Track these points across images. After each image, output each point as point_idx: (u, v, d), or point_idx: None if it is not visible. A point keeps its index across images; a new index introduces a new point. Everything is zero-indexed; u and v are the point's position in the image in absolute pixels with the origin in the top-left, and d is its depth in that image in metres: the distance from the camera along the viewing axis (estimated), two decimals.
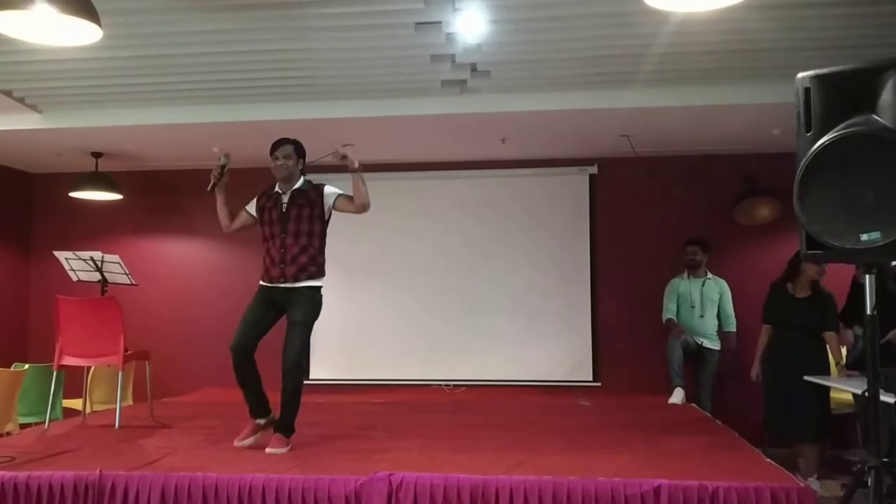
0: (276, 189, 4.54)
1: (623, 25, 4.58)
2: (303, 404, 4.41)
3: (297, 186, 4.49)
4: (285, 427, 4.33)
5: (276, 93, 5.75)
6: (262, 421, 4.44)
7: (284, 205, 4.46)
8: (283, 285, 4.41)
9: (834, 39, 4.71)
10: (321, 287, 4.52)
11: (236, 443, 4.35)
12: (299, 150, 4.53)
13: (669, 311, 6.69)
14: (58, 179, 7.79)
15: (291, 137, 4.56)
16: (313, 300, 4.47)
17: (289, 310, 4.42)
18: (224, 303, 7.80)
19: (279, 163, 4.45)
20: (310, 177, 4.57)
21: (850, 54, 4.37)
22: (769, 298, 5.86)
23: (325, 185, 4.56)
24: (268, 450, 4.16)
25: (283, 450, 4.18)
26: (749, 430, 5.18)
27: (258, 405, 4.45)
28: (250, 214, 4.65)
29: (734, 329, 6.65)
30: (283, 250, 4.41)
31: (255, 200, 4.64)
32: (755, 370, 5.90)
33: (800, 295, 5.71)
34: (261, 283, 4.54)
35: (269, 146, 4.50)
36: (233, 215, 4.68)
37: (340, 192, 4.53)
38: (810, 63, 3.26)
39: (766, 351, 5.86)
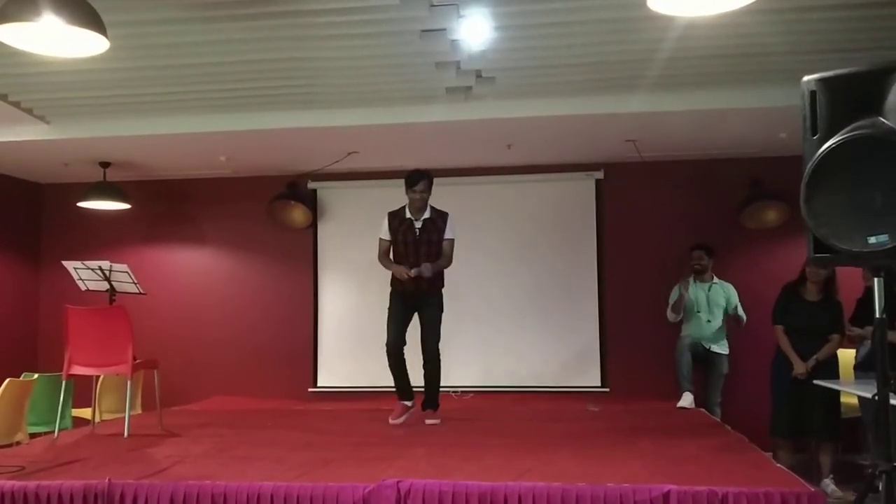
0: (408, 215, 5.39)
1: (627, 31, 4.58)
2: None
3: (427, 216, 5.38)
4: (433, 402, 5.55)
5: (281, 101, 5.77)
6: (409, 403, 5.49)
7: (418, 230, 5.37)
8: (415, 292, 5.36)
9: (839, 42, 4.70)
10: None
11: (391, 420, 5.38)
12: (431, 182, 5.39)
13: (670, 312, 6.67)
14: (66, 189, 7.83)
15: (423, 169, 5.38)
16: (440, 303, 5.50)
17: (422, 310, 5.44)
18: (232, 311, 7.84)
19: (416, 196, 5.32)
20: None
21: (856, 57, 4.35)
22: (779, 300, 5.85)
23: (448, 216, 5.44)
24: (428, 421, 5.40)
25: (439, 419, 5.43)
26: (758, 434, 5.16)
27: (407, 390, 5.48)
28: (389, 241, 5.48)
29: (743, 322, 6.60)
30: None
31: (385, 224, 5.46)
32: (802, 366, 5.65)
33: (811, 298, 5.70)
34: (394, 290, 5.48)
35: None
36: (388, 255, 5.52)
37: (451, 237, 5.44)
38: (816, 66, 3.25)
39: (776, 353, 5.84)
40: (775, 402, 5.80)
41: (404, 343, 5.41)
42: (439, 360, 5.46)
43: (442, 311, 5.50)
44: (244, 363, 7.74)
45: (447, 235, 5.42)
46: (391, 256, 5.49)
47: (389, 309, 5.49)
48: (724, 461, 4.03)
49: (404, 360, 5.43)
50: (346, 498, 3.38)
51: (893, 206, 2.81)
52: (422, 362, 5.44)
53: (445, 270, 5.49)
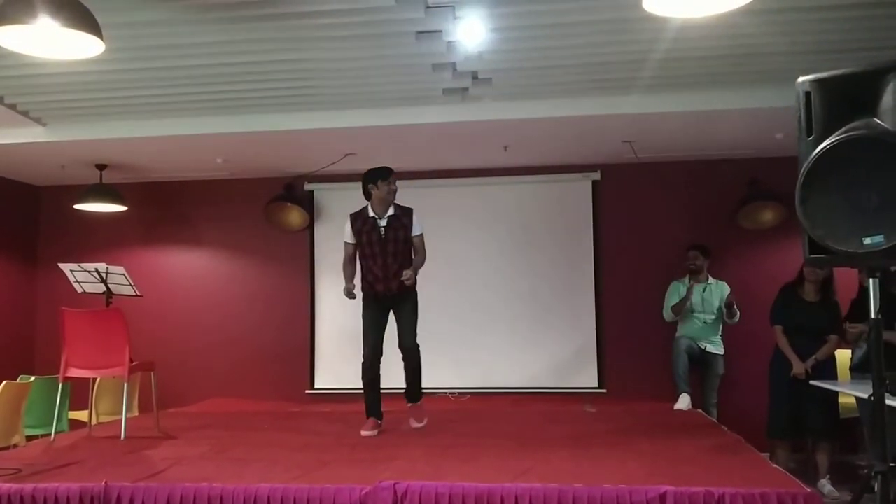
0: (371, 214, 5.13)
1: (623, 32, 4.59)
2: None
3: (391, 213, 5.12)
4: (417, 399, 5.38)
5: (278, 103, 5.76)
6: (380, 420, 5.20)
7: (383, 229, 5.10)
8: (390, 294, 5.14)
9: (834, 43, 4.71)
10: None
11: (364, 432, 5.03)
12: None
13: (667, 311, 6.67)
14: (63, 192, 7.83)
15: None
16: (414, 298, 5.27)
17: (398, 310, 5.22)
18: (229, 313, 7.84)
19: (394, 188, 5.11)
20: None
21: (851, 58, 4.36)
22: (777, 300, 5.86)
23: (412, 211, 5.20)
24: (414, 425, 5.27)
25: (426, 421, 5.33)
26: (755, 434, 5.16)
27: (378, 407, 5.24)
28: (353, 244, 5.24)
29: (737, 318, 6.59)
30: (385, 269, 5.10)
31: (349, 227, 5.20)
32: (801, 367, 5.64)
33: (809, 298, 5.71)
34: (366, 294, 5.21)
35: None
36: (353, 262, 5.29)
37: (420, 232, 5.22)
38: (811, 67, 3.26)
39: (774, 354, 5.84)
40: (773, 403, 5.81)
41: (382, 354, 5.20)
42: (419, 352, 5.27)
43: (417, 307, 5.29)
44: (241, 365, 7.73)
45: (415, 232, 5.20)
46: (365, 266, 5.23)
47: (364, 315, 5.24)
48: (720, 462, 4.04)
49: (380, 374, 5.22)
50: (342, 500, 3.38)
51: (888, 206, 2.81)
52: (402, 360, 5.29)
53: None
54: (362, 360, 5.21)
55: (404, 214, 5.18)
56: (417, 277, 5.21)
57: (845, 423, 5.93)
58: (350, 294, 5.13)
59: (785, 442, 5.73)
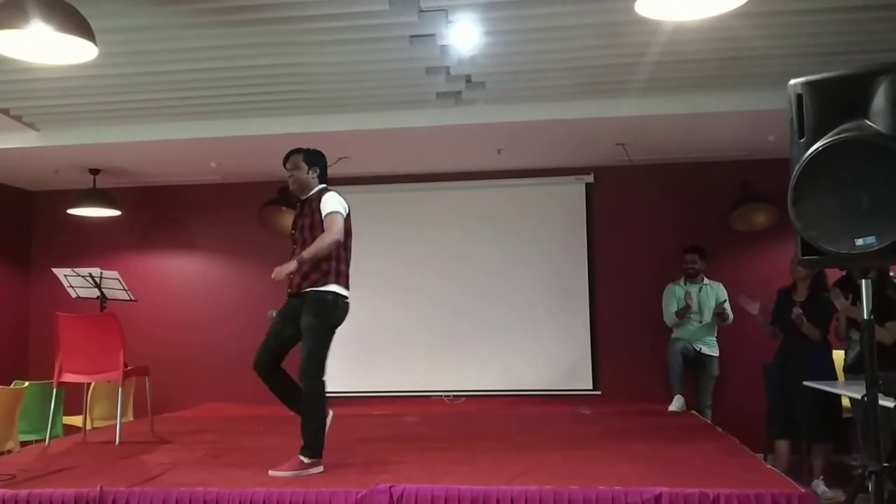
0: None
1: (616, 35, 4.60)
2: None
3: (307, 196, 4.29)
4: (303, 445, 4.05)
5: (272, 107, 5.77)
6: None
7: (296, 215, 4.36)
8: (293, 293, 4.23)
9: (825, 45, 4.73)
10: (332, 292, 4.12)
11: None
12: (310, 158, 4.34)
13: (671, 315, 6.68)
14: (56, 197, 7.81)
15: (304, 147, 4.42)
16: (319, 304, 4.10)
17: (301, 317, 4.16)
18: (224, 317, 7.82)
19: (287, 174, 4.36)
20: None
21: (842, 60, 4.40)
22: (776, 304, 5.89)
23: (329, 192, 4.24)
24: (271, 472, 3.89)
25: (288, 473, 3.88)
26: (749, 436, 5.18)
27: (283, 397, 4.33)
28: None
29: (730, 320, 6.63)
30: (290, 258, 4.13)
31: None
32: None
33: (800, 298, 5.73)
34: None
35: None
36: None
37: (332, 210, 4.12)
38: (802, 69, 3.27)
39: (773, 358, 5.87)
40: (772, 404, 5.83)
41: (267, 362, 4.32)
42: (311, 385, 4.18)
43: (324, 316, 4.12)
44: (236, 369, 7.66)
45: (324, 211, 4.12)
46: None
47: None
48: (715, 463, 4.06)
49: (279, 383, 4.35)
50: (339, 503, 3.38)
51: (880, 207, 2.82)
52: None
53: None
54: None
55: (317, 198, 4.22)
56: (330, 287, 4.10)
57: (839, 424, 5.94)
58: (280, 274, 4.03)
59: (785, 443, 5.74)
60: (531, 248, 7.50)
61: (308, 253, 4.00)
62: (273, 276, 3.98)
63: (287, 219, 7.56)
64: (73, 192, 7.28)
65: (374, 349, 7.43)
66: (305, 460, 3.99)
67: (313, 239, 4.08)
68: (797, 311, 5.57)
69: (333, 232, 4.04)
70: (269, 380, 4.30)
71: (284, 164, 4.38)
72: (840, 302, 5.18)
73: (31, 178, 7.67)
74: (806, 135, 3.05)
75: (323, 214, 4.13)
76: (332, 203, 4.15)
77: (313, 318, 4.11)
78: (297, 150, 4.39)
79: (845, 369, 5.56)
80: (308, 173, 4.31)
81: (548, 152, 6.95)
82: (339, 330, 4.27)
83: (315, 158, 4.38)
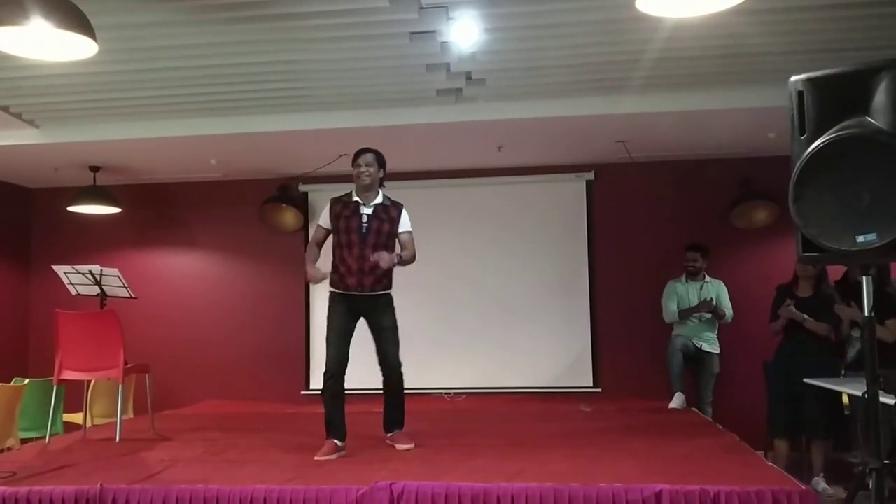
0: (355, 198, 4.58)
1: (616, 32, 4.60)
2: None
3: (378, 201, 4.58)
4: (402, 424, 4.69)
5: (272, 104, 5.76)
6: (342, 443, 4.43)
7: (366, 216, 4.53)
8: (360, 294, 4.49)
9: (826, 42, 4.73)
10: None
11: (318, 457, 4.26)
12: (380, 160, 4.63)
13: (671, 313, 6.68)
14: (56, 194, 7.81)
15: (373, 147, 4.66)
16: (393, 306, 4.63)
17: (372, 317, 4.56)
18: (224, 314, 7.83)
19: (361, 170, 4.54)
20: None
21: (843, 57, 4.39)
22: (774, 300, 5.88)
23: (402, 207, 4.67)
24: (399, 447, 4.50)
25: (412, 445, 4.54)
26: (750, 433, 5.17)
27: (343, 426, 4.48)
28: (327, 229, 4.68)
29: (729, 317, 6.63)
30: (361, 261, 4.47)
31: (327, 210, 4.66)
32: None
33: (803, 295, 5.72)
34: (334, 290, 4.58)
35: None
36: (320, 246, 4.74)
37: (409, 230, 4.65)
38: (803, 66, 3.27)
39: (773, 356, 5.86)
40: (772, 402, 5.82)
41: (347, 365, 4.52)
42: (402, 375, 4.64)
43: (397, 321, 4.62)
44: (236, 367, 7.72)
45: (403, 228, 4.61)
46: (338, 256, 4.59)
47: (330, 316, 4.57)
48: (715, 460, 4.05)
49: (344, 388, 4.53)
50: (339, 500, 3.38)
51: (881, 205, 2.82)
52: (382, 377, 4.69)
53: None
54: (325, 370, 4.53)
55: (394, 207, 4.62)
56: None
57: (840, 421, 5.94)
58: (315, 279, 4.60)
59: (785, 440, 5.74)
60: (531, 245, 7.50)
61: (407, 257, 4.58)
62: (375, 258, 4.39)
63: (287, 215, 7.58)
64: (73, 190, 7.28)
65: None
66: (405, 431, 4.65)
67: (387, 247, 4.52)
68: (789, 308, 5.56)
69: (415, 254, 4.63)
70: (343, 383, 4.53)
71: (356, 160, 4.58)
72: (845, 313, 5.24)
73: (30, 175, 7.67)
74: (807, 132, 3.05)
75: (402, 230, 4.61)
76: (410, 223, 4.66)
77: (393, 317, 4.61)
78: (371, 150, 4.64)
79: (846, 367, 5.56)
80: (379, 173, 4.61)
81: (548, 149, 6.95)
82: None
83: (384, 161, 4.68)
